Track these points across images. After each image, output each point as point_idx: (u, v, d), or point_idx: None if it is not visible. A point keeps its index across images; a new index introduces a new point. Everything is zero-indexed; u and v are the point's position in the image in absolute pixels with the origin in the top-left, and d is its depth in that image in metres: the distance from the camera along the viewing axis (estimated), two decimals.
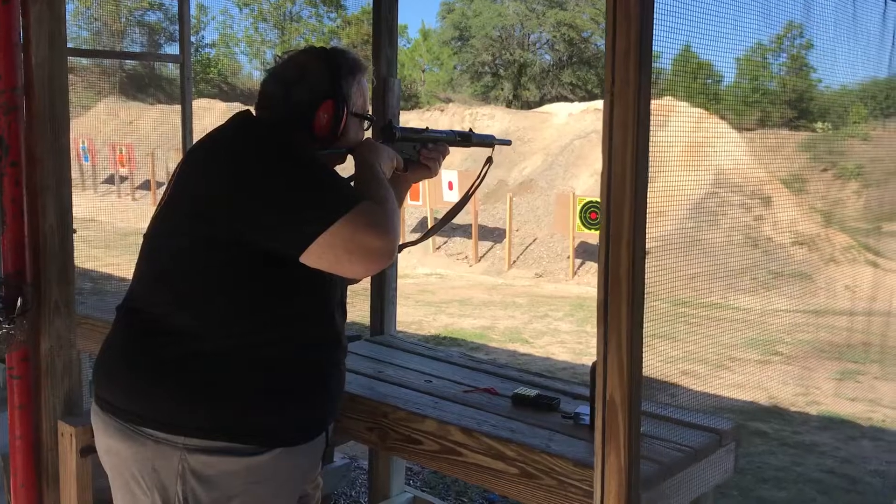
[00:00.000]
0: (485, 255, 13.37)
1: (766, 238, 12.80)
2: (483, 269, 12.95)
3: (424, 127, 1.93)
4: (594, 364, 1.94)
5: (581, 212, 11.84)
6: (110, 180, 18.63)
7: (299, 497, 1.73)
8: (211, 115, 17.05)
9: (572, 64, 39.85)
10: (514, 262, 12.88)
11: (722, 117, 18.05)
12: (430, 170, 1.90)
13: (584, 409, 2.02)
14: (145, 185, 17.83)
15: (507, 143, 2.20)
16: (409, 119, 17.70)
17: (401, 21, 2.75)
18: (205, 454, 1.48)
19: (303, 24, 35.33)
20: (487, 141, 2.07)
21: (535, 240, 13.47)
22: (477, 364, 2.51)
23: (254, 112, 1.64)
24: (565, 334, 7.79)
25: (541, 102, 34.96)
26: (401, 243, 1.73)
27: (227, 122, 1.62)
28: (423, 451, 2.00)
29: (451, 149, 1.96)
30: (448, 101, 25.77)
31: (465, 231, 13.45)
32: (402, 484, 2.74)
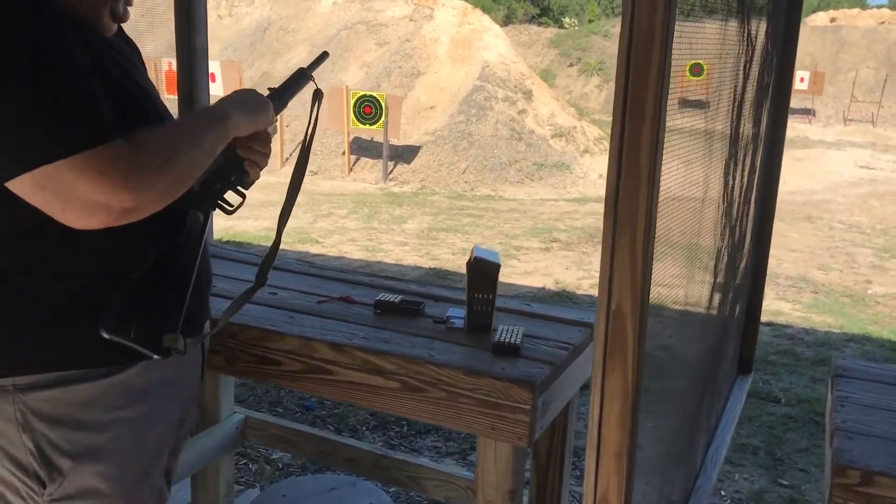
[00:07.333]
0: None
1: (529, 131, 13.31)
2: None
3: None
4: (470, 261, 1.80)
5: (355, 106, 11.54)
6: None
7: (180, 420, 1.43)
8: None
9: None
10: (287, 159, 12.37)
11: (485, 11, 18.29)
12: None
13: (454, 311, 1.90)
14: None
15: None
16: None
17: None
18: (44, 390, 1.18)
19: None
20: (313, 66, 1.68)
21: None
22: (318, 270, 2.29)
23: None
24: (354, 232, 7.61)
25: None
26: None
27: None
28: (283, 371, 1.78)
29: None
30: None
31: None
32: (231, 406, 2.48)
